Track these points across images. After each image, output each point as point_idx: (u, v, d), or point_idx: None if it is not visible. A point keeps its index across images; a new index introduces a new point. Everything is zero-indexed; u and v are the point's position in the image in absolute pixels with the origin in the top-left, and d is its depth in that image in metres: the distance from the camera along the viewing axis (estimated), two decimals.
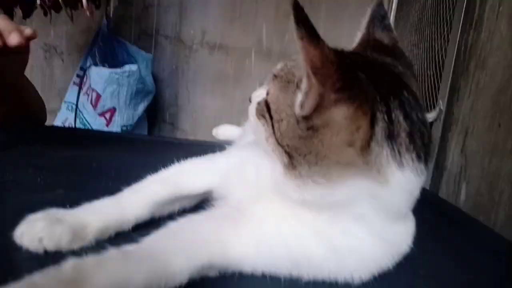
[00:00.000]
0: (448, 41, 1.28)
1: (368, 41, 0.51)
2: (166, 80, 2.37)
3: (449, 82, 1.20)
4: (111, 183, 0.55)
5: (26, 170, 0.66)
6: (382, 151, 0.39)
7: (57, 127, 1.14)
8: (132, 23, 2.35)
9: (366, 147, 0.38)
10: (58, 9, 1.81)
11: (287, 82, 0.43)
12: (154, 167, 0.58)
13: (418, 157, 0.41)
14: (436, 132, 1.24)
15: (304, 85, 0.39)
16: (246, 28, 2.31)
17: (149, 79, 2.11)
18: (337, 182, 0.39)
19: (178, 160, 0.58)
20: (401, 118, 0.41)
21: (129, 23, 2.35)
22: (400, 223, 0.46)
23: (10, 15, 1.84)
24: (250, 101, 0.50)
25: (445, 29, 1.32)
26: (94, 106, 1.93)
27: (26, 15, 1.87)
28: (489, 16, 1.01)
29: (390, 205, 0.42)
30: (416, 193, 0.43)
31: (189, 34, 2.33)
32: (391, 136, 0.40)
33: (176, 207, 0.53)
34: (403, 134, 0.40)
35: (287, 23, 2.28)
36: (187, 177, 0.54)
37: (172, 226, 0.43)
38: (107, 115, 1.95)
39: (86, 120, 1.94)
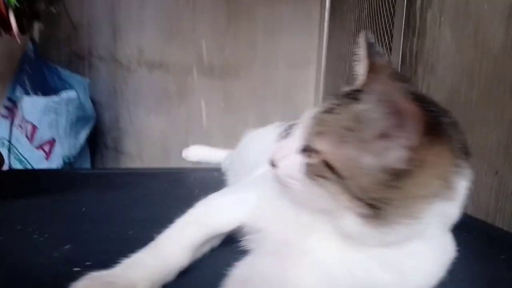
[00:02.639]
0: (390, 48, 1.36)
1: (375, 69, 0.49)
2: (104, 103, 2.25)
3: None
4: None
5: None
6: (459, 171, 0.41)
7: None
8: (60, 46, 2.20)
9: (453, 174, 0.40)
10: None
11: (341, 136, 0.41)
12: (137, 201, 0.55)
13: (468, 161, 0.43)
14: None
15: (400, 140, 0.38)
16: (185, 45, 2.27)
17: (88, 105, 1.98)
18: (421, 216, 0.40)
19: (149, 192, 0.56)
20: (459, 129, 0.43)
21: (58, 45, 2.20)
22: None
23: None
24: (273, 164, 0.46)
25: (386, 38, 1.41)
26: (30, 139, 1.77)
27: None
28: (431, 25, 1.10)
29: (452, 216, 0.43)
30: None
31: (125, 54, 2.24)
32: (464, 153, 0.42)
33: (207, 247, 0.51)
34: (460, 144, 0.42)
35: (226, 38, 2.30)
36: (217, 216, 0.52)
37: (237, 275, 0.42)
38: (46, 148, 1.79)
39: (21, 156, 1.77)
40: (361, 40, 0.51)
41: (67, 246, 0.51)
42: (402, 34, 1.26)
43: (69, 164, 1.89)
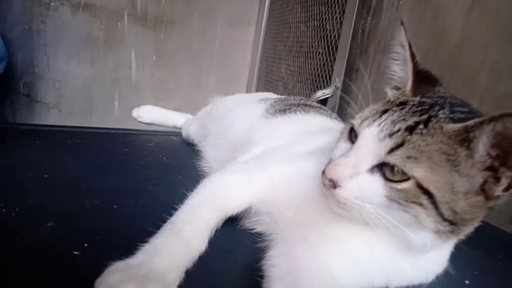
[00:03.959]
0: (341, 23, 1.39)
1: (422, 73, 0.49)
2: (15, 42, 1.97)
3: (345, 62, 1.33)
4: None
5: None
6: None
7: None
8: None
9: None
10: None
11: (438, 161, 0.39)
12: (106, 168, 0.58)
13: None
14: (333, 108, 1.38)
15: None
16: None
17: None
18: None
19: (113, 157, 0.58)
20: None
21: None
22: None
23: None
24: (333, 184, 0.41)
25: (337, 11, 1.43)
26: None
27: None
28: (388, 7, 1.14)
29: None
30: None
31: None
32: None
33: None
34: None
35: None
36: (228, 197, 0.51)
37: (278, 269, 0.43)
38: None
39: None
40: (402, 37, 0.49)
41: (49, 224, 0.45)
42: (355, 11, 1.29)
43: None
